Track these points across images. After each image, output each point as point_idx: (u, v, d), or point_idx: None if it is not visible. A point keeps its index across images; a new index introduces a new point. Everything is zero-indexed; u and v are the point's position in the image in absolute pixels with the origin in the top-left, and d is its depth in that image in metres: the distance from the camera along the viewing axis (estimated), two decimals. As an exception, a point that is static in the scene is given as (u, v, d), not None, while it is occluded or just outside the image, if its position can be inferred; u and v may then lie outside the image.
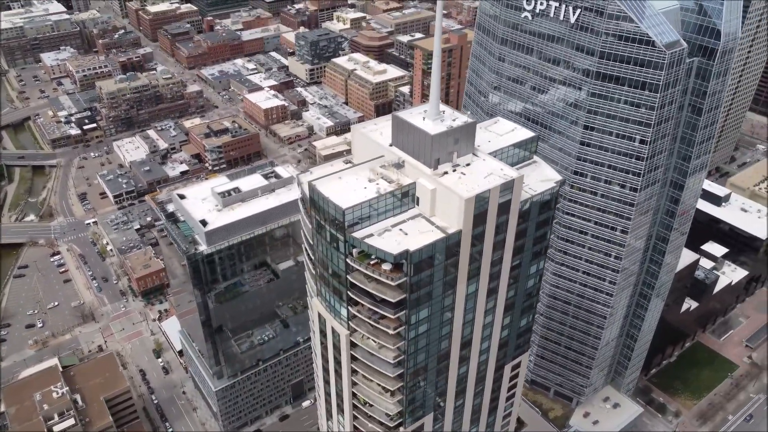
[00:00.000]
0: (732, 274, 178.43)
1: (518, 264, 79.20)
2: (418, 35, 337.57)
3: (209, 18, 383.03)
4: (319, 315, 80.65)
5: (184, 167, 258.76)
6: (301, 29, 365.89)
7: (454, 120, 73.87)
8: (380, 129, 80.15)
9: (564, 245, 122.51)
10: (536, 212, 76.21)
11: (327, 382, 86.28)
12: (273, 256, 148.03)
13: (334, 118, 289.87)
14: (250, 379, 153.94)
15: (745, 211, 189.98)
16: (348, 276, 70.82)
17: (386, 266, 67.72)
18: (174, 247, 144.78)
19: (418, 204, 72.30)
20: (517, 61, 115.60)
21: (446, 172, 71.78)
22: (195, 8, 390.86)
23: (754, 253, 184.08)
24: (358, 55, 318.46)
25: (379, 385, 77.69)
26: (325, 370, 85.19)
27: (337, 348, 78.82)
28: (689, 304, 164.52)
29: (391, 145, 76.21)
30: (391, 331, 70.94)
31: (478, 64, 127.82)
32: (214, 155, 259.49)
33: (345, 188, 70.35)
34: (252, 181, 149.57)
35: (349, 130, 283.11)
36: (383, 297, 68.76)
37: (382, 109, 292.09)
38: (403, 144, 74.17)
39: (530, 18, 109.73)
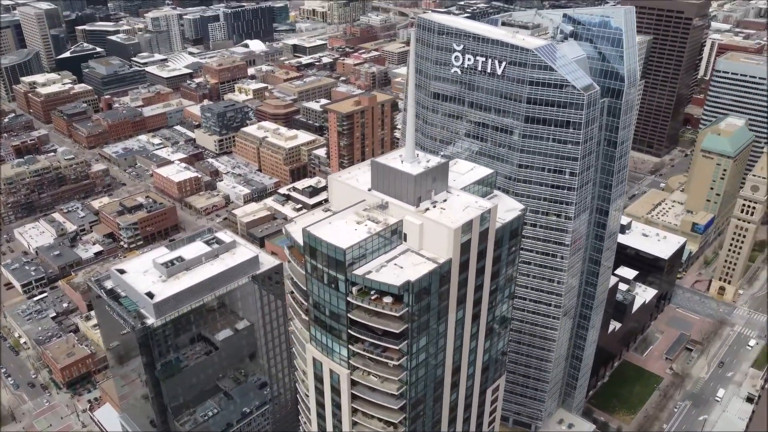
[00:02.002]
0: (644, 294, 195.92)
1: (495, 288, 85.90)
2: (323, 101, 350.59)
3: (106, 96, 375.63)
4: (314, 360, 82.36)
5: (97, 248, 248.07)
6: (205, 102, 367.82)
7: (428, 161, 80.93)
8: (355, 176, 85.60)
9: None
10: (507, 239, 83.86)
11: (323, 429, 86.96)
12: (212, 327, 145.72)
13: (250, 186, 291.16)
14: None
15: (646, 236, 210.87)
16: (349, 314, 74.02)
17: (387, 299, 71.87)
18: (100, 330, 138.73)
19: (405, 240, 77.62)
20: (451, 111, 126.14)
21: (428, 209, 78.05)
22: (90, 87, 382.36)
23: (659, 273, 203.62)
24: (267, 123, 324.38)
25: (380, 420, 79.94)
26: (321, 417, 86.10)
27: (335, 389, 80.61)
28: (613, 325, 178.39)
29: (369, 190, 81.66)
30: (394, 362, 74.38)
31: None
32: (129, 232, 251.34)
33: (338, 231, 74.45)
34: (194, 248, 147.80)
35: (266, 197, 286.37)
36: (386, 329, 72.48)
37: (297, 174, 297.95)
38: (384, 187, 79.89)
39: (460, 73, 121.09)
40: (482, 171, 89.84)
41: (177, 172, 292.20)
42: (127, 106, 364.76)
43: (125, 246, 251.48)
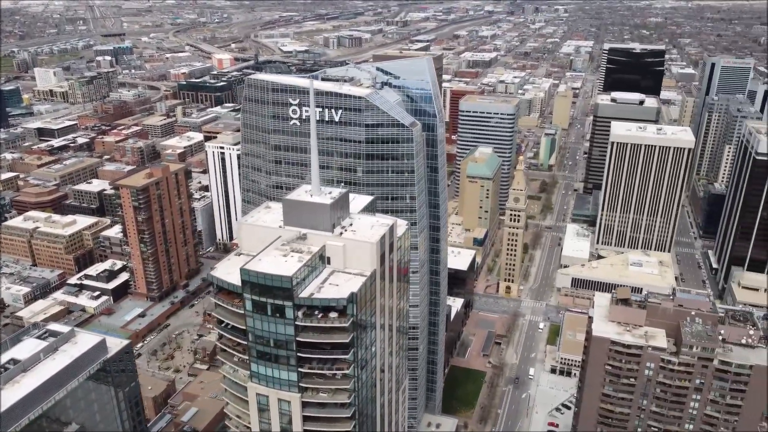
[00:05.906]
0: (455, 304, 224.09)
1: (400, 293, 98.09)
2: (96, 181, 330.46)
3: None
4: (258, 396, 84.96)
5: None
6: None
7: (330, 193, 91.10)
8: (260, 218, 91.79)
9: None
10: (405, 248, 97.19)
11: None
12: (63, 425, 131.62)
13: (28, 284, 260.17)
14: None
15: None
16: (297, 338, 79.69)
17: (333, 314, 79.60)
18: None
19: (329, 263, 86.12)
20: (294, 160, 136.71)
21: (341, 232, 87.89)
22: None
23: (462, 284, 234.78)
24: (35, 213, 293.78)
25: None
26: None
27: (286, 417, 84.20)
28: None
29: (281, 226, 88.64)
30: (345, 371, 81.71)
31: (253, 173, 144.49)
32: None
33: (273, 264, 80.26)
34: (27, 346, 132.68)
35: (52, 291, 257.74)
36: (335, 342, 79.82)
37: (83, 261, 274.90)
38: (298, 220, 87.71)
39: (299, 124, 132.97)
40: (364, 198, 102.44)
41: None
42: None
43: None
